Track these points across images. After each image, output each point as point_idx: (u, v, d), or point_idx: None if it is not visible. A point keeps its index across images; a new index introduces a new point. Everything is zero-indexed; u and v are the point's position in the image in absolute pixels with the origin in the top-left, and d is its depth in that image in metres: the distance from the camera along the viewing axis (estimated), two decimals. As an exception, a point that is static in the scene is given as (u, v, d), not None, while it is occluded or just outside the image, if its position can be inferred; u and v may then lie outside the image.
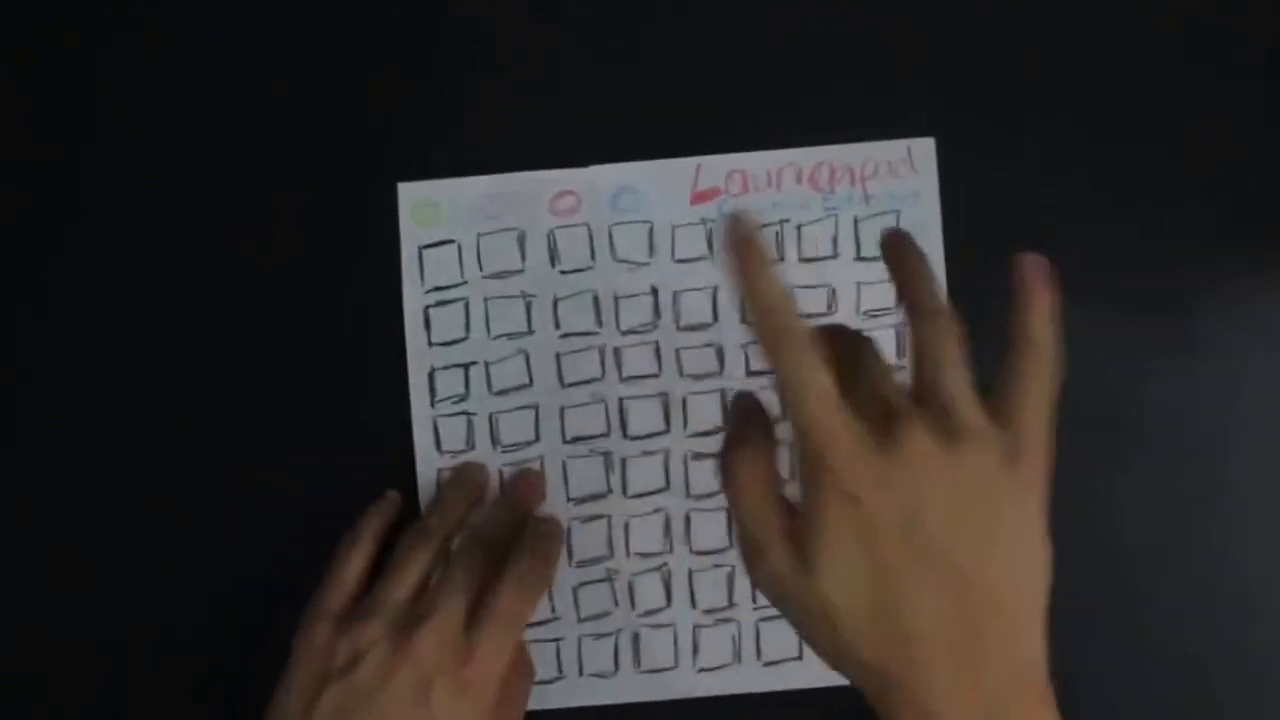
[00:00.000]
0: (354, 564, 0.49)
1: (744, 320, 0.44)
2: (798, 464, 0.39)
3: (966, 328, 0.40)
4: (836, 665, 0.39)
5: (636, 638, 0.51)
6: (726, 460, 0.41)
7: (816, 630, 0.39)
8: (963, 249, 0.52)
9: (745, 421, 0.42)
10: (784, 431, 0.41)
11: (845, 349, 0.41)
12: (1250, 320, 0.52)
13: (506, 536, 0.49)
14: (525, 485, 0.51)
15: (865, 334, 0.42)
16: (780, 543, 0.39)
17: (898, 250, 0.42)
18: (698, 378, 0.51)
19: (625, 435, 0.52)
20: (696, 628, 0.51)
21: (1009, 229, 0.51)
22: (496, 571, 0.48)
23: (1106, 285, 0.52)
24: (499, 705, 0.47)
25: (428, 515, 0.50)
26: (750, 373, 0.51)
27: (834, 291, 0.52)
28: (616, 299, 0.52)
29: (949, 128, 0.52)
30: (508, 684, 0.48)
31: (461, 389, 0.52)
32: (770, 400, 0.43)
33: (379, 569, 0.49)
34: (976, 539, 0.38)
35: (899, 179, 0.52)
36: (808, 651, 0.50)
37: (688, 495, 0.52)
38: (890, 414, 0.38)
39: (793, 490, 0.40)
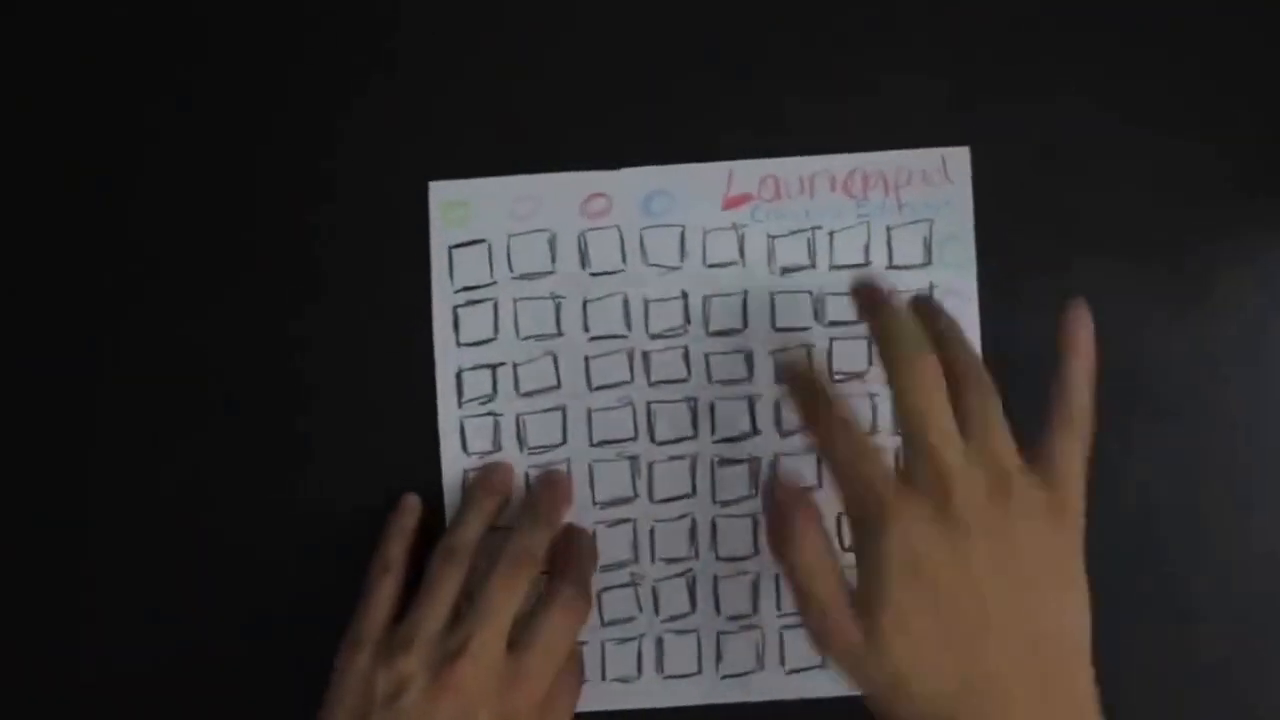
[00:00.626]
0: (386, 588, 0.48)
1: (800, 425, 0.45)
2: (853, 531, 0.42)
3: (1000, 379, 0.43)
4: None
5: (660, 643, 0.51)
6: (788, 536, 0.42)
7: (891, 699, 0.41)
8: (995, 259, 0.51)
9: (793, 499, 0.43)
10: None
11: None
12: (1269, 275, 0.51)
13: (541, 546, 0.49)
14: (552, 488, 0.51)
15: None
16: (847, 619, 0.41)
17: (931, 315, 0.45)
18: (726, 383, 0.51)
19: (653, 440, 0.51)
20: (720, 634, 0.51)
21: (1042, 240, 0.51)
22: (531, 585, 0.47)
23: (1121, 243, 0.51)
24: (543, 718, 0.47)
25: (453, 530, 0.49)
26: (779, 380, 0.51)
27: (865, 299, 0.51)
28: (646, 303, 0.51)
29: (984, 136, 0.51)
30: (553, 691, 0.47)
31: (489, 390, 0.51)
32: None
33: (413, 584, 0.49)
34: (1030, 591, 0.41)
35: (933, 187, 0.51)
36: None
37: (714, 501, 0.51)
38: (944, 477, 0.41)
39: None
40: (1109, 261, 0.51)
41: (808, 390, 0.44)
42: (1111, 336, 0.50)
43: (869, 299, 0.45)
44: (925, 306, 0.46)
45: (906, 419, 0.42)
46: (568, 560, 0.49)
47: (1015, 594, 0.41)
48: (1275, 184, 0.52)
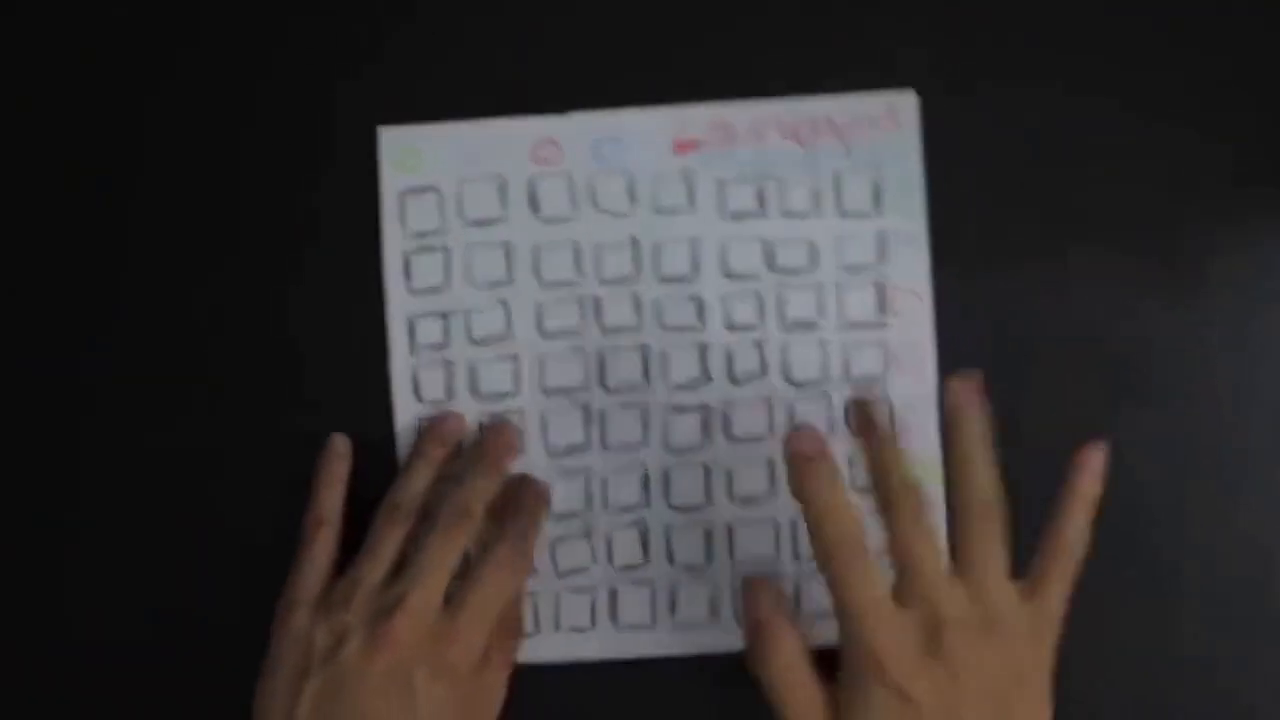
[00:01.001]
0: (322, 543, 0.48)
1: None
2: (843, 651, 0.43)
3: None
4: None
5: (614, 593, 0.51)
6: (763, 653, 0.44)
7: None
8: (947, 206, 0.51)
9: (772, 615, 0.45)
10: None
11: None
12: (1263, 267, 0.52)
13: (482, 503, 0.48)
14: (500, 438, 0.50)
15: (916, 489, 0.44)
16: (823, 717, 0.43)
17: (953, 437, 0.44)
18: (677, 330, 0.51)
19: (604, 387, 0.51)
20: (674, 585, 0.51)
21: (998, 184, 0.52)
22: (474, 540, 0.47)
23: (1114, 229, 0.51)
24: (479, 676, 0.47)
25: (399, 484, 0.49)
26: (730, 326, 0.51)
27: (815, 246, 0.51)
28: (597, 249, 0.51)
29: (934, 81, 0.51)
30: (490, 648, 0.47)
31: (441, 337, 0.51)
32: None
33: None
34: (1005, 713, 0.42)
35: (881, 133, 0.51)
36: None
37: (666, 449, 0.51)
38: (935, 608, 0.42)
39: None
40: (1101, 248, 0.51)
41: (817, 499, 0.43)
42: (1103, 322, 0.51)
43: (863, 422, 0.45)
44: (952, 428, 0.45)
45: (899, 554, 0.43)
46: (510, 515, 0.49)
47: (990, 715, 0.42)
48: (1269, 172, 0.52)
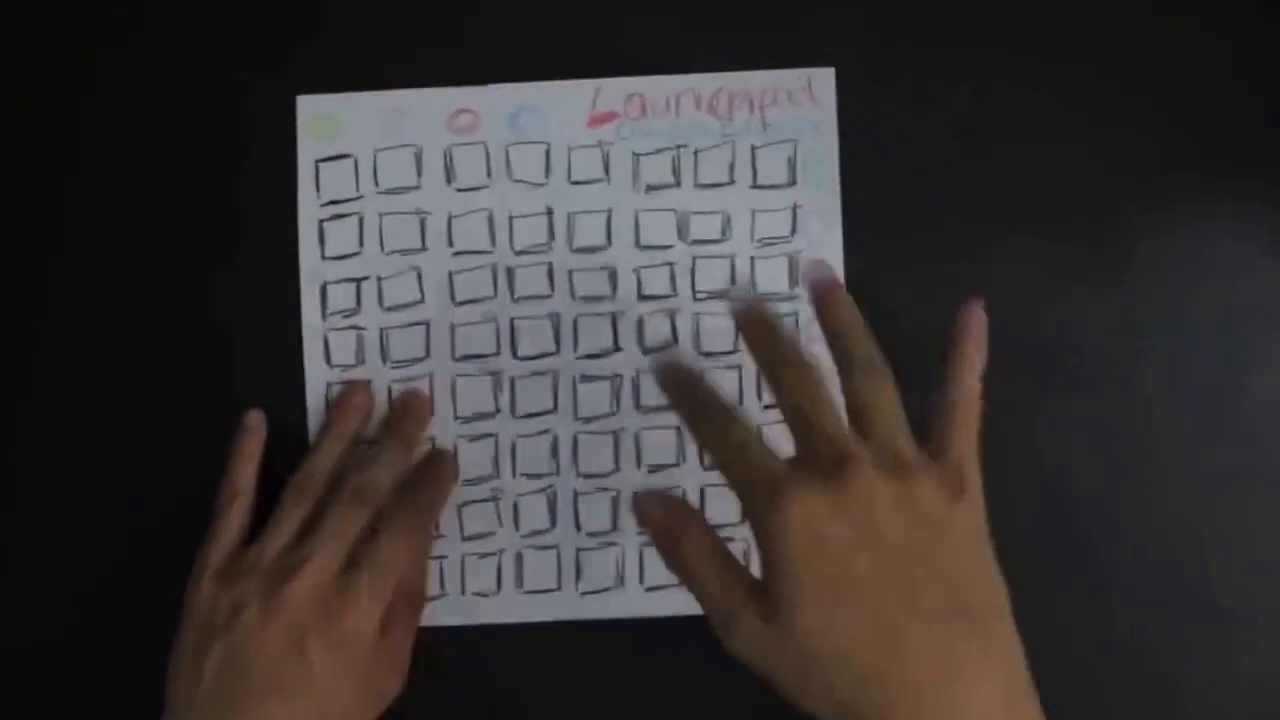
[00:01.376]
0: (233, 515, 0.49)
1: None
2: (750, 522, 0.40)
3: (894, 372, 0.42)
4: (821, 708, 0.39)
5: (520, 558, 0.51)
6: (669, 547, 0.42)
7: (807, 683, 0.39)
8: (859, 180, 0.51)
9: (668, 508, 0.43)
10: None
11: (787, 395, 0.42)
12: (1193, 250, 0.51)
13: (388, 477, 0.49)
14: (409, 411, 0.51)
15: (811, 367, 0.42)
16: (751, 604, 0.40)
17: (828, 301, 0.44)
18: (589, 300, 0.51)
19: (515, 355, 0.51)
20: (580, 550, 0.51)
21: (911, 162, 0.52)
22: (378, 514, 0.48)
23: (1041, 216, 0.51)
24: (379, 646, 0.48)
25: (309, 458, 0.50)
26: (642, 296, 0.51)
27: (729, 218, 0.52)
28: (511, 219, 0.52)
29: (852, 57, 0.51)
30: (390, 618, 0.48)
31: (353, 303, 0.52)
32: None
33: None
34: (940, 561, 0.39)
35: (798, 108, 0.52)
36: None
37: (575, 417, 0.51)
38: (839, 459, 0.39)
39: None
40: (1029, 237, 0.51)
41: (684, 386, 0.43)
42: (1031, 311, 0.51)
43: (743, 309, 0.44)
44: (822, 297, 0.44)
45: (793, 418, 0.41)
46: (413, 487, 0.50)
47: (925, 564, 0.39)
48: (1195, 159, 0.52)
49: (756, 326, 0.43)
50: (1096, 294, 0.51)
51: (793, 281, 0.51)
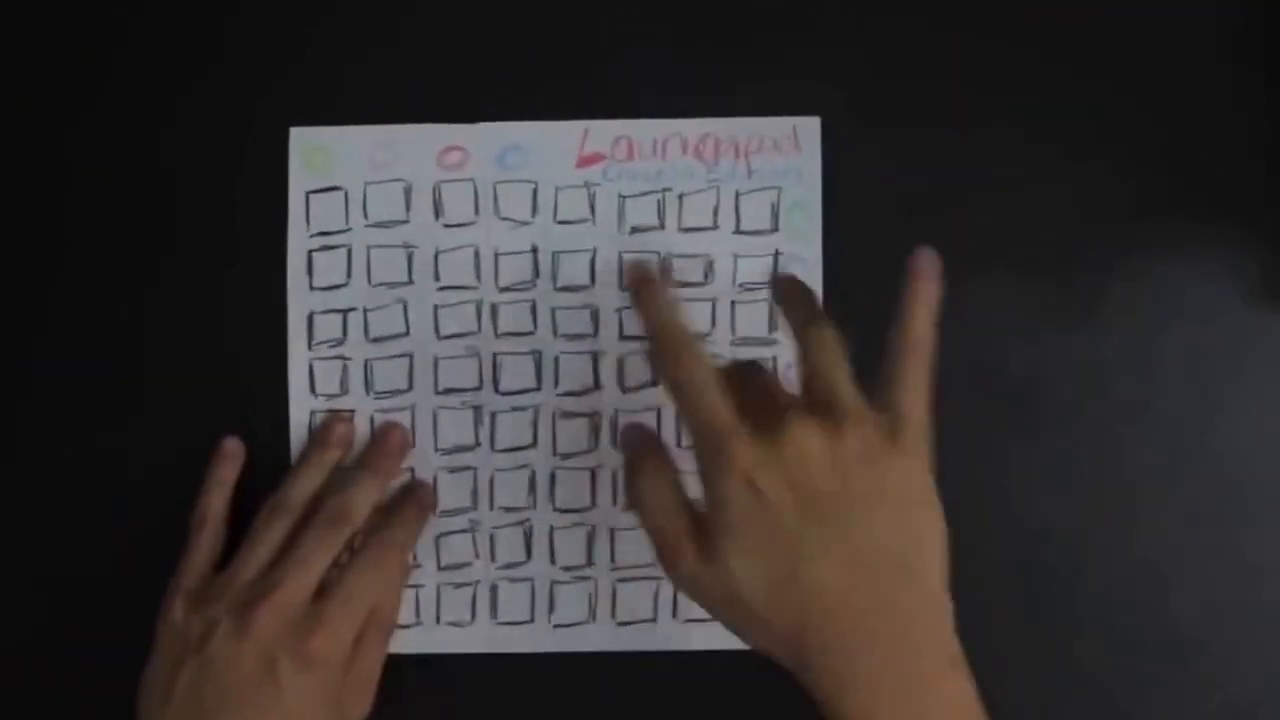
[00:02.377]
0: (204, 540, 0.50)
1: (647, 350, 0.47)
2: (698, 463, 0.42)
3: (846, 332, 0.43)
4: (757, 645, 0.42)
5: (495, 589, 0.52)
6: (631, 480, 0.44)
7: (733, 614, 0.42)
8: (843, 229, 0.52)
9: (642, 444, 0.45)
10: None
11: (734, 372, 0.46)
12: (1163, 293, 0.52)
13: (364, 503, 0.50)
14: (388, 443, 0.52)
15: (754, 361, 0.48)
16: (689, 540, 0.42)
17: (780, 278, 0.47)
18: (571, 338, 0.52)
19: (497, 390, 0.52)
20: (554, 584, 0.52)
21: (895, 208, 0.52)
22: (354, 537, 0.49)
23: (1016, 258, 0.52)
24: (350, 668, 0.49)
25: (287, 484, 0.51)
26: (624, 336, 0.52)
27: (712, 262, 0.52)
28: (497, 255, 0.52)
29: (836, 108, 0.52)
30: (360, 643, 0.49)
31: (339, 334, 0.52)
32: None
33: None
34: (868, 506, 0.41)
35: (783, 155, 0.52)
36: (661, 614, 0.52)
37: (554, 453, 0.52)
38: (779, 415, 0.41)
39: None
40: (998, 277, 0.52)
41: (655, 309, 0.44)
42: (1001, 350, 0.52)
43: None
44: (776, 278, 0.47)
45: (745, 368, 0.45)
46: (390, 514, 0.51)
47: (853, 510, 0.41)
48: (1166, 203, 0.53)
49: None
50: (1066, 335, 0.52)
51: (772, 327, 0.52)
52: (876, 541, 0.41)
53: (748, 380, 0.47)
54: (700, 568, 0.42)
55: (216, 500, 0.50)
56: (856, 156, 0.52)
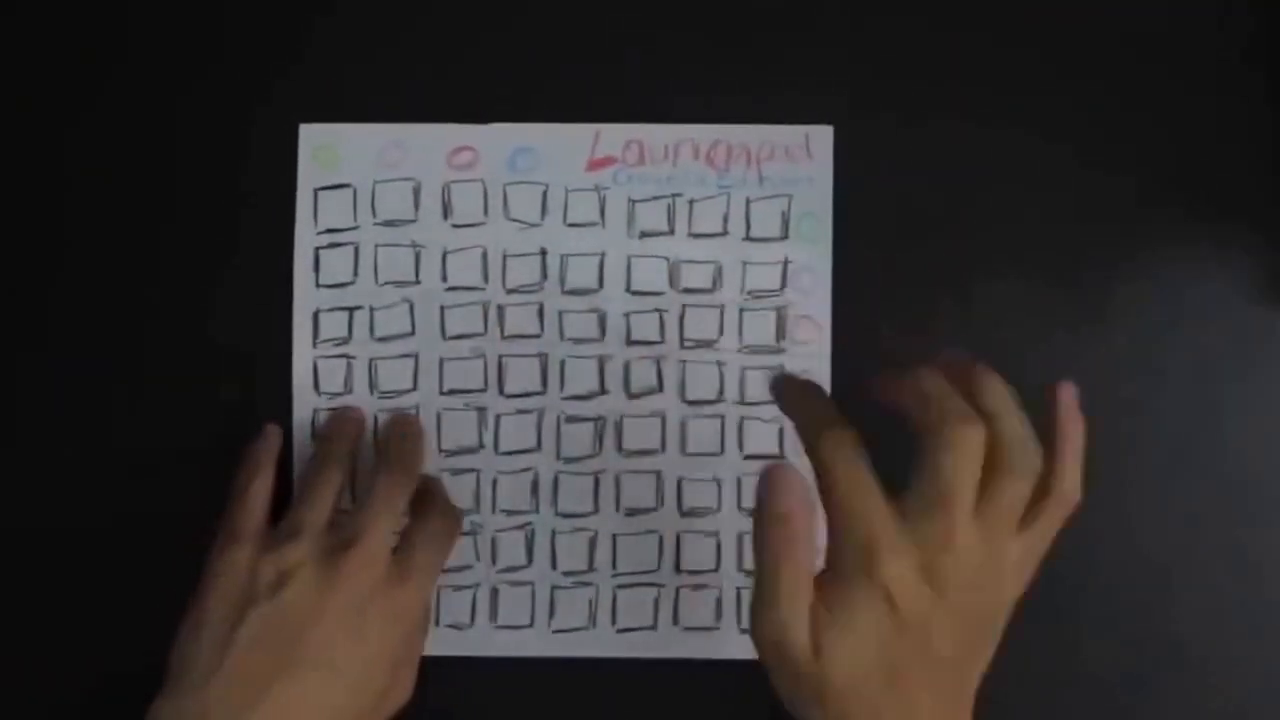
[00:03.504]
0: (258, 488, 0.48)
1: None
2: (838, 557, 0.40)
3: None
4: (795, 708, 0.41)
5: (495, 593, 0.52)
6: (772, 529, 0.40)
7: (800, 695, 0.40)
8: (853, 238, 0.52)
9: (799, 512, 0.41)
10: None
11: None
12: (1169, 291, 0.52)
13: (419, 457, 0.50)
14: (408, 430, 0.51)
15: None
16: (805, 616, 0.39)
17: (979, 387, 0.42)
18: (578, 342, 0.52)
19: (501, 392, 0.52)
20: (555, 589, 0.52)
21: (906, 217, 0.52)
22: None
23: (1022, 256, 0.52)
24: (419, 636, 0.49)
25: (325, 441, 0.50)
26: (630, 341, 0.52)
27: (721, 268, 0.52)
28: (505, 257, 0.52)
29: (849, 116, 0.52)
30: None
31: (344, 332, 0.52)
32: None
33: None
34: (971, 655, 0.42)
35: (794, 164, 0.52)
36: (661, 622, 0.52)
37: (558, 457, 0.52)
38: (950, 533, 0.39)
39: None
40: (1005, 279, 0.52)
41: (810, 412, 0.42)
42: (1006, 352, 0.50)
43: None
44: (970, 377, 0.42)
45: (928, 478, 0.40)
46: (430, 489, 0.50)
47: (957, 656, 0.41)
48: (1173, 203, 0.52)
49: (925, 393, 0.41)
50: (1072, 335, 0.52)
51: (780, 335, 0.52)
52: (968, 682, 0.42)
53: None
54: (796, 641, 0.40)
55: (264, 455, 0.50)
56: (868, 165, 0.52)
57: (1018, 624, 0.50)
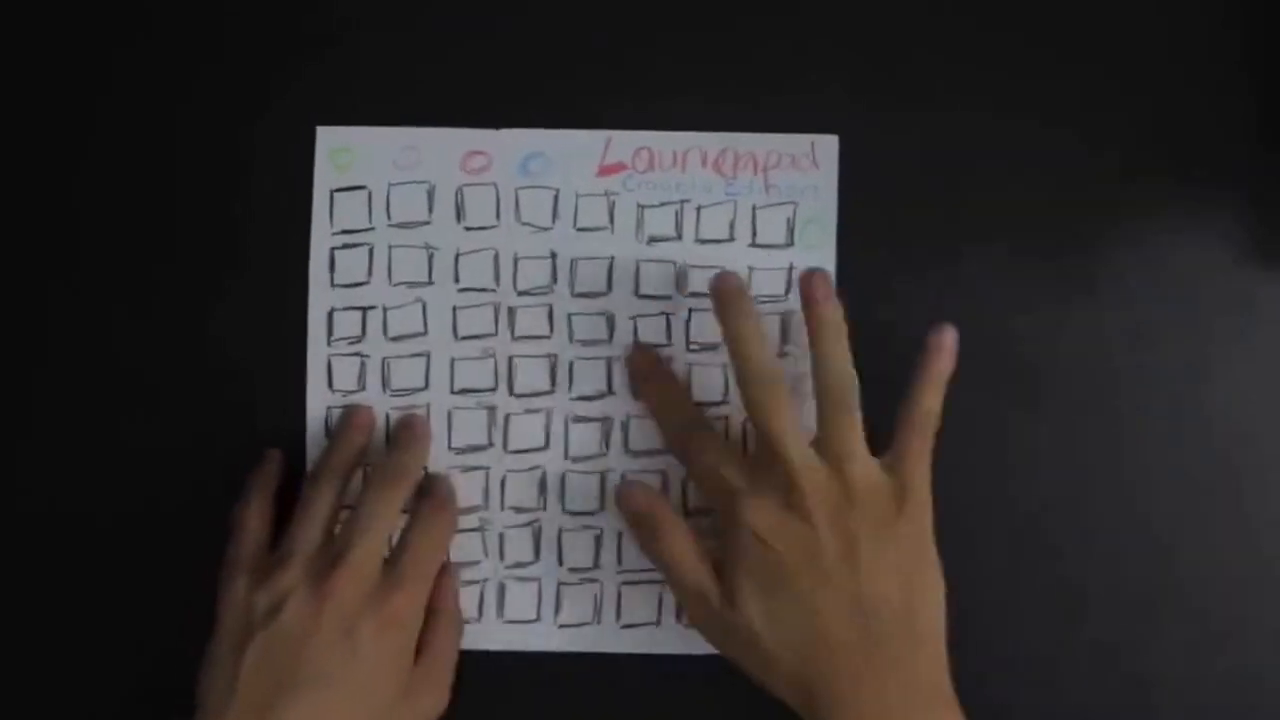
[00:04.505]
0: (255, 516, 0.50)
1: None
2: (720, 518, 0.49)
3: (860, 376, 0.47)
4: (766, 683, 0.47)
5: (502, 588, 0.53)
6: (648, 545, 0.50)
7: (748, 656, 0.47)
8: (857, 245, 0.53)
9: (646, 507, 0.50)
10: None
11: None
12: (1155, 262, 0.53)
13: (413, 467, 0.51)
14: (414, 431, 0.52)
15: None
16: (711, 587, 0.48)
17: (812, 328, 0.48)
18: (587, 343, 0.53)
19: (511, 392, 0.53)
20: (561, 585, 0.53)
21: (909, 227, 0.53)
22: (404, 504, 0.50)
23: (1009, 231, 0.53)
24: (419, 663, 0.50)
25: (324, 456, 0.52)
26: (638, 344, 0.53)
27: (727, 274, 0.53)
28: (516, 259, 0.53)
29: (854, 126, 0.53)
30: (429, 635, 0.50)
31: (358, 331, 0.53)
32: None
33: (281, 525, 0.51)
34: (873, 569, 0.46)
35: (800, 172, 0.53)
36: (665, 618, 0.53)
37: (565, 456, 0.53)
38: (792, 475, 0.46)
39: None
40: (992, 251, 0.53)
41: (663, 394, 0.51)
42: (996, 326, 0.52)
43: (727, 300, 0.49)
44: (808, 319, 0.49)
45: (760, 430, 0.48)
46: (430, 486, 0.52)
47: (857, 570, 0.46)
48: (1156, 171, 0.53)
49: (737, 329, 0.48)
50: (1062, 304, 0.53)
51: (784, 339, 0.53)
52: (878, 595, 0.46)
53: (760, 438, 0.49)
54: (724, 612, 0.47)
55: (261, 483, 0.51)
56: (872, 174, 0.53)
57: (1023, 596, 0.52)
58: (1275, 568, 0.53)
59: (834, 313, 0.48)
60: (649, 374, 0.52)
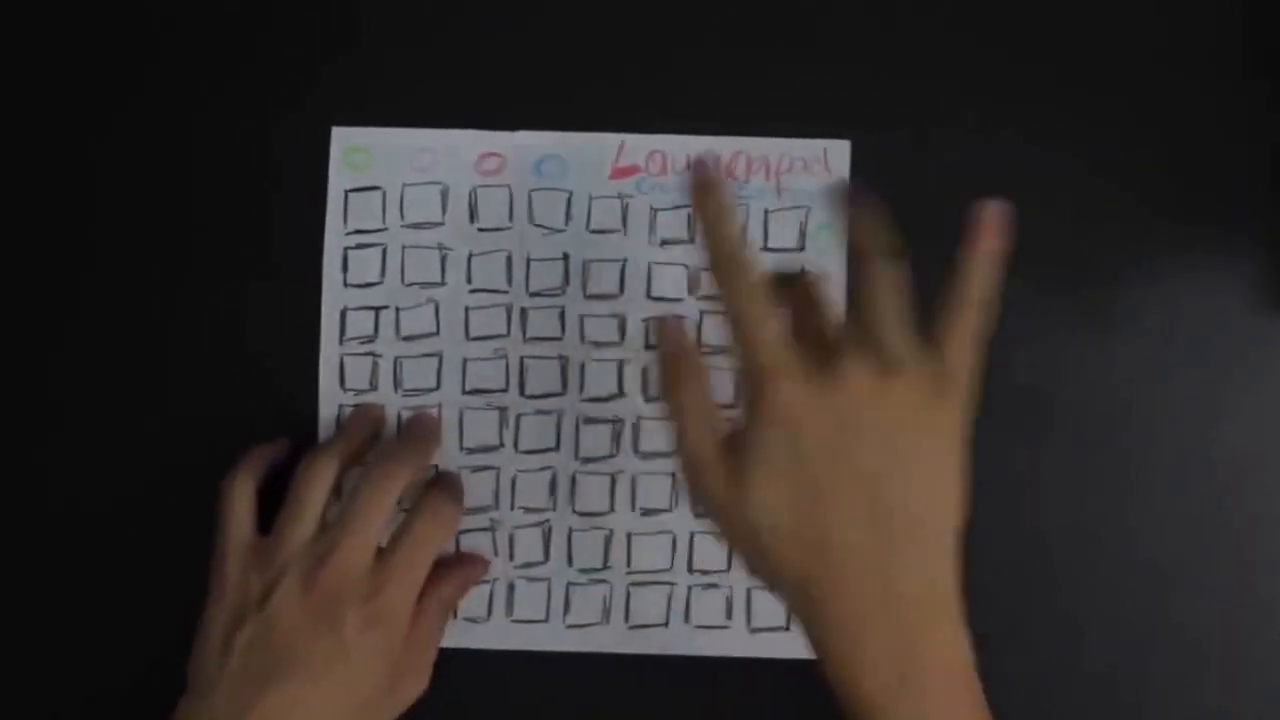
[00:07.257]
0: (236, 503, 0.50)
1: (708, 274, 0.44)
2: (741, 386, 0.43)
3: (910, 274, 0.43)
4: (761, 577, 0.43)
5: (512, 588, 0.53)
6: (667, 387, 0.44)
7: (745, 545, 0.43)
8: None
9: (680, 346, 0.45)
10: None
11: (794, 293, 0.46)
12: (1171, 298, 0.53)
13: (407, 464, 0.50)
14: (422, 425, 0.53)
15: (813, 277, 0.48)
16: (717, 463, 0.42)
17: (850, 198, 0.45)
18: (598, 345, 0.53)
19: (522, 393, 0.53)
20: (570, 585, 0.53)
21: (919, 230, 0.53)
22: (398, 499, 0.50)
23: (1027, 263, 0.53)
24: (412, 623, 0.49)
25: (328, 442, 0.52)
26: (649, 346, 0.53)
27: (738, 277, 0.53)
28: (529, 261, 0.54)
29: (867, 131, 0.54)
30: (416, 617, 0.50)
31: (370, 330, 0.53)
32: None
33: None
34: (898, 468, 0.42)
35: (813, 177, 0.54)
36: (673, 620, 0.53)
37: (576, 457, 0.53)
38: (831, 348, 0.42)
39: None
40: (1009, 282, 0.53)
41: (719, 247, 0.43)
42: (1010, 356, 0.52)
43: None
44: (846, 193, 0.45)
45: (805, 290, 0.46)
46: (436, 482, 0.52)
47: (882, 469, 0.41)
48: (1175, 207, 0.54)
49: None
50: (1074, 341, 0.53)
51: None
52: (900, 503, 0.41)
53: (798, 298, 0.47)
54: (726, 492, 0.42)
55: (250, 464, 0.51)
56: (883, 179, 0.53)
57: (1027, 626, 0.52)
58: (1273, 609, 0.53)
59: (874, 214, 0.44)
60: (710, 185, 0.43)
